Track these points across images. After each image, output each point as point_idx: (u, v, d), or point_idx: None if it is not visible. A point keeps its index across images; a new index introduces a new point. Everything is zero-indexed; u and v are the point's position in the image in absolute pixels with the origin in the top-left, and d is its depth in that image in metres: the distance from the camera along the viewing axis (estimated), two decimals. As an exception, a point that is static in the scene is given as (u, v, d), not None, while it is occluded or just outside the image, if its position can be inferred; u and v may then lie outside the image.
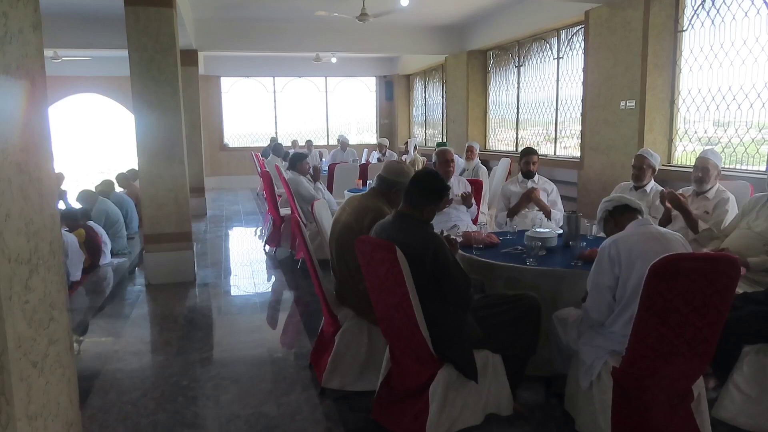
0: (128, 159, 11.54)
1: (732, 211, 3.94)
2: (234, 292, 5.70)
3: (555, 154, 9.00)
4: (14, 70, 1.38)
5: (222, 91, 14.79)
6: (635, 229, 2.74)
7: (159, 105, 5.63)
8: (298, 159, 6.52)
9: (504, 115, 10.62)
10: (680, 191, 4.11)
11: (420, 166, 9.47)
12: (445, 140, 12.38)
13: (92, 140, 19.32)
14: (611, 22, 6.96)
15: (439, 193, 2.86)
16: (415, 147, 10.71)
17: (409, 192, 2.86)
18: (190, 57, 9.95)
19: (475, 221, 5.15)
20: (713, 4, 6.02)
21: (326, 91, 15.68)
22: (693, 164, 4.20)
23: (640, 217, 2.85)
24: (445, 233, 3.52)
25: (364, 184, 7.43)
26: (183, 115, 5.84)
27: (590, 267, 2.82)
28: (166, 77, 5.62)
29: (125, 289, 5.87)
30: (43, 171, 1.51)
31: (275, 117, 15.42)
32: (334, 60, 13.12)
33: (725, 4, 5.89)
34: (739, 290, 3.12)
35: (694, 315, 2.39)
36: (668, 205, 4.01)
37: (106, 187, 8.06)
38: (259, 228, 9.10)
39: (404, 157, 10.42)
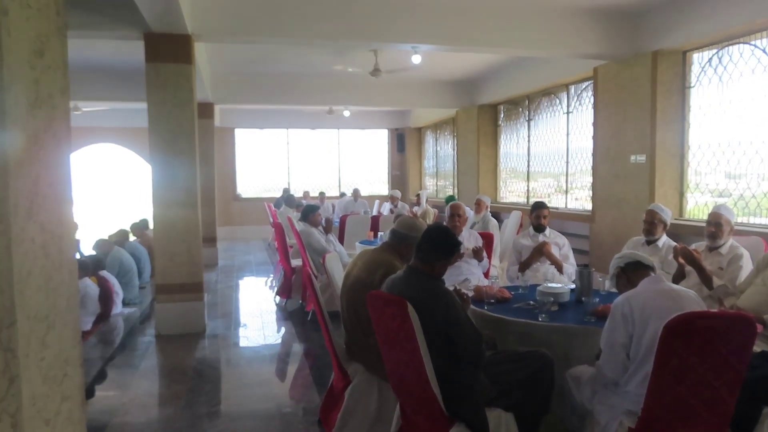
0: (141, 208, 11.70)
1: (746, 267, 3.91)
2: (243, 343, 5.68)
3: (566, 206, 9.02)
4: (42, 133, 1.44)
5: (236, 142, 15.11)
6: (648, 286, 2.73)
7: (175, 156, 5.76)
8: (310, 211, 6.59)
9: (515, 167, 10.73)
10: (693, 246, 4.08)
11: (431, 218, 9.53)
12: (453, 194, 12.48)
13: (107, 189, 19.69)
14: (620, 78, 7.10)
15: (450, 249, 2.88)
16: (426, 199, 10.79)
17: (420, 247, 2.89)
18: (206, 110, 10.23)
19: (486, 275, 5.14)
20: (720, 61, 6.14)
21: (339, 143, 15.95)
22: (705, 218, 4.19)
23: (652, 274, 2.84)
24: (455, 287, 3.52)
25: (376, 235, 7.46)
26: (198, 166, 5.96)
27: (603, 324, 2.80)
28: (183, 130, 5.76)
29: (135, 339, 5.86)
30: (64, 228, 1.56)
31: (288, 168, 15.65)
32: (347, 113, 13.40)
33: (732, 61, 6.00)
34: (756, 348, 3.06)
35: (710, 374, 2.36)
36: (681, 260, 3.98)
37: (120, 237, 8.15)
38: (270, 278, 9.11)
39: (415, 208, 10.49)
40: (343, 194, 14.09)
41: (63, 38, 1.56)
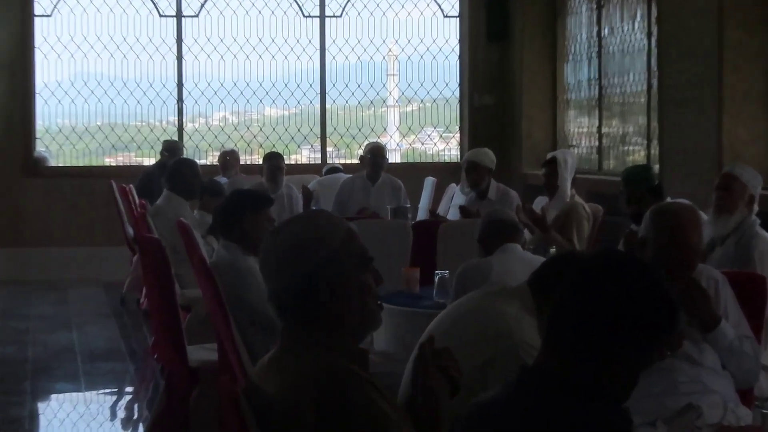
0: None
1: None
2: None
3: None
4: None
5: (35, 12, 15.34)
6: None
7: None
8: (246, 207, 6.55)
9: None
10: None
11: (587, 226, 9.51)
12: (644, 161, 12.46)
13: None
14: None
15: (653, 325, 2.82)
16: (573, 173, 10.69)
17: (563, 313, 2.83)
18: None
19: (747, 396, 5.09)
20: None
21: (322, 17, 16.17)
22: None
23: None
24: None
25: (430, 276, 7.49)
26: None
27: None
28: None
29: None
30: None
31: (180, 87, 15.92)
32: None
33: None
34: None
35: None
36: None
37: None
38: (129, 399, 9.19)
39: (539, 201, 10.47)
40: (332, 167, 14.14)
41: None
